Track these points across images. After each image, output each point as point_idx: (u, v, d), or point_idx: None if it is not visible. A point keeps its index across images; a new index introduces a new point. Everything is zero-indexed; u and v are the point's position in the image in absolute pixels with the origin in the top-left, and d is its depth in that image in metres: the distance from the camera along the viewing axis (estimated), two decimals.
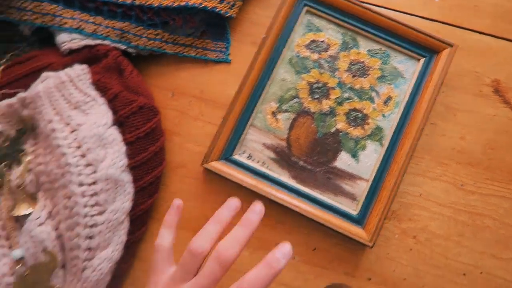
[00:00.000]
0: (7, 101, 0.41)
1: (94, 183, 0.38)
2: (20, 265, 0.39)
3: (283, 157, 0.47)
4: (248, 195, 0.47)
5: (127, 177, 0.41)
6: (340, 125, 0.47)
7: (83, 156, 0.38)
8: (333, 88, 0.48)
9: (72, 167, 0.38)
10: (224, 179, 0.47)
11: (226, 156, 0.46)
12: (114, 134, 0.40)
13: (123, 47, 0.46)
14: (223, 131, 0.46)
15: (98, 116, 0.40)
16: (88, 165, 0.38)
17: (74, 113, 0.40)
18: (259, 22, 0.52)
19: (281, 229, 0.46)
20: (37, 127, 0.42)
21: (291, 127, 0.47)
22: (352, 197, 0.46)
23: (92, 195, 0.38)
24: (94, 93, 0.41)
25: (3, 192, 0.41)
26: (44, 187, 0.40)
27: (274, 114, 0.47)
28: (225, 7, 0.48)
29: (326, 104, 0.48)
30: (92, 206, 0.38)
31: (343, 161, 0.47)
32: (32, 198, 0.40)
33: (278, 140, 0.47)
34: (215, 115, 0.49)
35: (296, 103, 0.48)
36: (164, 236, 0.36)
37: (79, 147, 0.39)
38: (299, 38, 0.49)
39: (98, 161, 0.39)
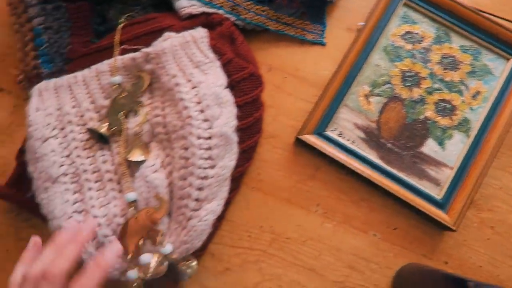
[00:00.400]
0: (131, 55, 0.44)
1: (209, 137, 0.41)
2: (132, 208, 0.41)
3: (372, 138, 0.49)
4: (335, 170, 0.49)
5: (235, 138, 0.43)
6: (429, 113, 0.49)
7: (202, 111, 0.41)
8: (424, 78, 0.50)
9: (193, 120, 0.40)
10: (313, 153, 0.49)
11: (319, 131, 0.48)
12: (228, 95, 0.43)
13: (233, 18, 0.49)
14: (319, 107, 0.49)
15: (216, 77, 0.43)
16: (205, 120, 0.41)
17: (195, 72, 0.43)
18: (354, 10, 0.54)
19: (365, 206, 0.48)
20: (155, 82, 0.44)
21: (381, 111, 0.50)
22: (436, 182, 0.48)
23: (206, 149, 0.40)
24: (212, 55, 0.44)
25: (118, 138, 0.43)
26: (159, 138, 0.43)
27: (366, 96, 0.50)
28: None
29: (416, 92, 0.50)
30: (206, 159, 0.40)
31: (430, 147, 0.49)
32: (146, 147, 0.43)
33: (369, 122, 0.49)
34: (308, 93, 0.51)
35: (388, 88, 0.50)
36: (17, 271, 0.36)
37: (199, 102, 0.41)
38: (395, 28, 0.51)
39: (214, 118, 0.41)
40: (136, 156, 0.42)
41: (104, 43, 0.48)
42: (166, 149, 0.43)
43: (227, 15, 0.48)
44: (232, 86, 0.45)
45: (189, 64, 0.43)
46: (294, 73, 0.52)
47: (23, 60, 0.51)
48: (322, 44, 0.53)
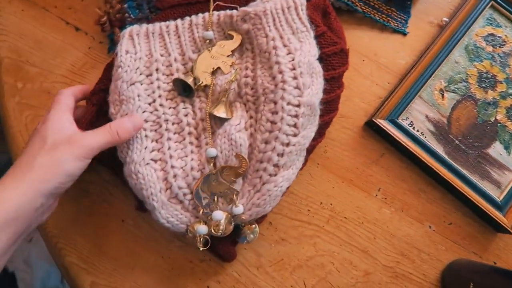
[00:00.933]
0: (229, 12, 0.44)
1: (298, 105, 0.41)
2: (211, 164, 0.42)
3: (441, 132, 0.49)
4: (400, 158, 0.50)
5: (319, 110, 0.43)
6: (500, 116, 0.50)
7: (295, 78, 0.41)
8: (501, 82, 0.51)
9: (286, 85, 0.40)
10: (381, 138, 0.50)
11: (392, 117, 0.49)
12: (319, 67, 0.43)
13: None
14: (394, 95, 0.49)
15: (310, 46, 0.43)
16: (296, 87, 0.41)
17: (292, 38, 0.43)
18: (439, 4, 0.55)
19: (424, 197, 0.49)
20: (246, 42, 0.44)
21: (454, 107, 0.50)
22: (497, 184, 0.49)
23: (293, 116, 0.41)
24: (308, 25, 0.44)
25: (202, 94, 0.44)
26: (245, 98, 0.43)
27: (441, 91, 0.50)
28: None
29: (490, 95, 0.51)
30: (291, 126, 0.41)
31: (496, 150, 0.49)
32: (230, 106, 0.43)
33: (440, 116, 0.50)
34: (383, 79, 0.52)
35: (464, 86, 0.51)
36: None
37: (293, 69, 0.41)
38: (479, 28, 0.52)
39: (305, 86, 0.41)
40: (220, 112, 0.43)
41: None
42: (250, 110, 0.43)
43: None
44: (321, 58, 0.45)
45: (288, 29, 0.43)
46: (372, 57, 0.52)
47: (108, 2, 0.50)
48: (404, 33, 0.53)
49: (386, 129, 0.48)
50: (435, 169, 0.48)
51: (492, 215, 0.47)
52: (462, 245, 0.49)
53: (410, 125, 0.49)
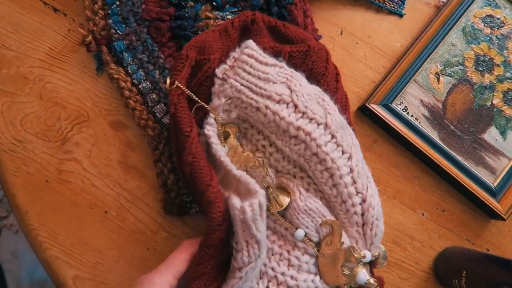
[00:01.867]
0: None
1: (332, 136, 0.38)
2: (312, 244, 0.39)
3: (436, 118, 0.48)
4: (393, 144, 0.48)
5: (344, 119, 0.41)
6: (496, 101, 0.49)
7: (309, 118, 0.38)
8: (498, 65, 0.49)
9: (313, 133, 0.37)
10: (374, 124, 0.48)
11: (386, 102, 0.47)
12: (316, 88, 0.41)
13: None
14: (389, 79, 0.47)
15: (294, 75, 0.40)
16: (319, 123, 0.38)
17: (269, 86, 0.39)
18: None
19: (417, 184, 0.48)
20: (243, 125, 0.41)
21: (449, 92, 0.49)
22: (492, 170, 0.48)
23: (334, 143, 0.38)
24: (272, 60, 0.40)
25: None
26: (286, 171, 0.41)
27: (437, 75, 0.49)
28: None
29: (487, 78, 0.49)
30: (341, 154, 0.38)
31: (492, 135, 0.48)
32: (282, 189, 0.41)
33: (435, 101, 0.48)
34: (377, 62, 0.50)
35: (460, 70, 0.49)
36: None
37: (301, 112, 0.38)
38: (477, 9, 0.50)
39: (322, 116, 0.39)
40: (283, 204, 0.40)
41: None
42: (297, 176, 0.41)
43: None
44: (308, 74, 0.42)
45: (260, 82, 0.39)
46: (366, 40, 0.50)
47: (91, 20, 0.47)
48: (400, 14, 0.51)
49: (379, 115, 0.46)
50: (429, 155, 0.46)
51: (486, 202, 0.46)
52: (455, 232, 0.48)
53: (404, 110, 0.48)
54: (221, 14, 0.49)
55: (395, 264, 0.47)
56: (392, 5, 0.50)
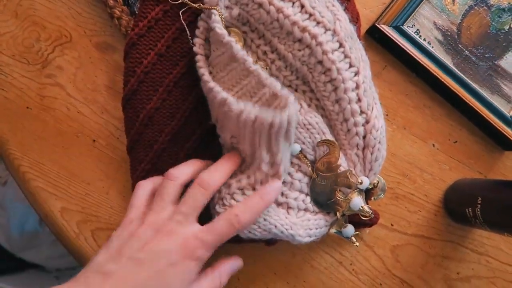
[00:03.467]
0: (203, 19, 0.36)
1: (340, 45, 0.35)
2: (305, 161, 0.37)
3: (449, 42, 0.44)
4: (404, 70, 0.45)
5: (354, 32, 0.38)
6: None
7: (318, 22, 0.34)
8: None
9: (320, 37, 0.34)
10: (383, 47, 0.44)
11: (397, 24, 0.43)
12: None
13: None
14: None
15: None
16: (327, 29, 0.34)
17: None
18: None
19: (428, 113, 0.45)
20: (243, 27, 0.37)
21: (465, 14, 0.45)
22: (508, 99, 0.45)
23: (345, 57, 0.35)
24: None
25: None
26: (287, 83, 0.37)
27: None
28: None
29: (506, 0, 0.45)
30: (347, 70, 0.35)
31: (509, 62, 0.45)
32: None
33: (449, 24, 0.45)
34: None
35: None
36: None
37: (311, 14, 0.34)
38: None
39: (331, 21, 0.35)
40: None
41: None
42: (298, 90, 0.37)
43: None
44: None
45: None
46: None
47: None
48: None
49: (390, 37, 0.43)
50: (442, 82, 0.43)
51: (501, 131, 0.43)
52: (467, 164, 0.45)
53: (416, 33, 0.44)
54: None
55: (404, 197, 0.44)
56: None
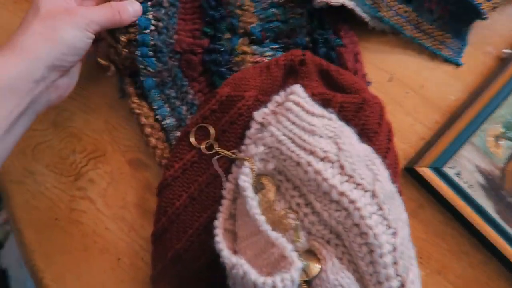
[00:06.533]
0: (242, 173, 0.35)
1: (379, 208, 0.33)
2: None
3: (492, 186, 0.42)
4: (441, 212, 0.43)
5: (395, 188, 0.36)
6: None
7: (355, 183, 0.33)
8: None
9: (358, 203, 0.33)
10: (421, 187, 0.43)
11: (437, 165, 0.42)
12: (368, 148, 0.36)
13: (366, 16, 0.41)
14: (442, 139, 0.42)
15: (343, 133, 0.36)
16: (364, 190, 0.33)
17: (313, 140, 0.34)
18: (500, 32, 0.47)
19: (465, 260, 0.42)
20: (279, 179, 0.36)
21: (509, 158, 0.43)
22: None
23: (382, 219, 0.33)
24: (320, 110, 0.36)
25: None
26: (319, 236, 0.36)
27: (497, 138, 0.43)
28: (489, 7, 0.43)
29: None
30: (387, 228, 0.33)
31: None
32: (313, 254, 0.36)
33: (493, 167, 0.43)
34: (429, 117, 0.45)
35: None
36: None
37: (348, 175, 0.33)
38: None
39: (369, 182, 0.34)
40: (312, 272, 0.35)
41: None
42: (330, 244, 0.36)
43: (362, 11, 0.41)
44: (359, 130, 0.37)
45: (305, 135, 0.34)
46: (417, 90, 0.45)
47: (112, 47, 0.41)
48: (457, 63, 0.45)
49: (428, 180, 0.41)
50: (481, 229, 0.41)
51: None
52: None
53: (457, 175, 0.42)
54: (260, 49, 0.45)
55: None
56: (449, 53, 0.45)
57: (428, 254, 0.43)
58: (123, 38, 0.40)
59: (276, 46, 0.44)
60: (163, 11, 0.41)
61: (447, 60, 0.45)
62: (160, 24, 0.40)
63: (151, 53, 0.40)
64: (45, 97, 0.36)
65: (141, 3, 0.40)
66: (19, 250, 0.44)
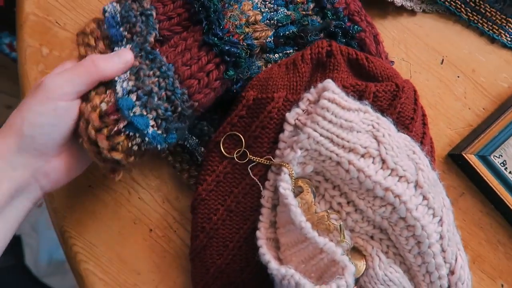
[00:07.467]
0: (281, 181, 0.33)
1: (423, 196, 0.33)
2: None
3: None
4: (481, 201, 0.42)
5: (437, 173, 0.35)
6: None
7: (400, 177, 0.32)
8: None
9: (404, 196, 0.32)
10: (463, 174, 0.42)
11: (484, 153, 0.41)
12: (408, 138, 0.35)
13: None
14: (492, 127, 0.41)
15: (379, 121, 0.34)
16: (408, 182, 0.32)
17: (350, 136, 0.33)
18: None
19: (501, 251, 0.42)
20: (316, 181, 0.35)
21: None
22: None
23: (428, 209, 0.33)
24: (355, 104, 0.34)
25: None
26: (363, 233, 0.35)
27: None
28: None
29: None
30: (431, 222, 0.33)
31: None
32: (359, 252, 0.35)
33: None
34: (478, 103, 0.43)
35: None
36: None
37: (390, 168, 0.32)
38: None
39: (412, 172, 0.33)
40: (359, 271, 0.34)
41: None
42: (374, 241, 0.35)
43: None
44: (395, 118, 0.36)
45: (343, 133, 0.33)
46: (469, 74, 0.43)
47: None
48: None
49: (473, 166, 0.40)
50: None
51: None
52: None
53: (502, 164, 0.41)
54: (273, 57, 0.40)
55: None
56: (510, 38, 0.43)
57: (464, 242, 0.41)
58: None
59: (290, 51, 0.40)
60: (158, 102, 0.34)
61: (505, 46, 0.43)
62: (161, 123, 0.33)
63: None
64: (33, 186, 0.32)
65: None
66: (50, 216, 0.43)
